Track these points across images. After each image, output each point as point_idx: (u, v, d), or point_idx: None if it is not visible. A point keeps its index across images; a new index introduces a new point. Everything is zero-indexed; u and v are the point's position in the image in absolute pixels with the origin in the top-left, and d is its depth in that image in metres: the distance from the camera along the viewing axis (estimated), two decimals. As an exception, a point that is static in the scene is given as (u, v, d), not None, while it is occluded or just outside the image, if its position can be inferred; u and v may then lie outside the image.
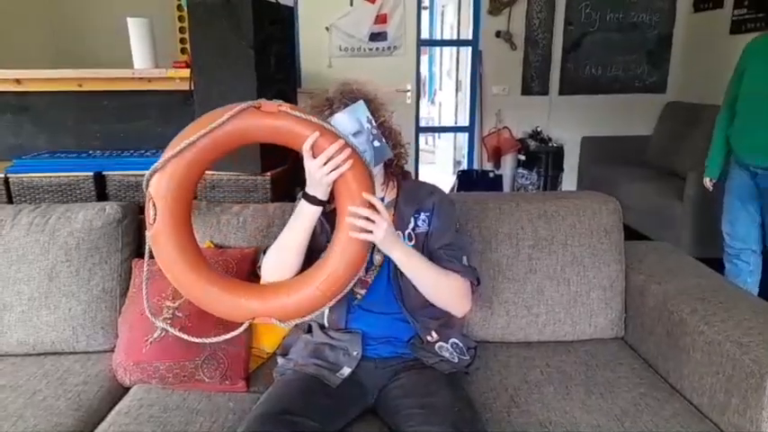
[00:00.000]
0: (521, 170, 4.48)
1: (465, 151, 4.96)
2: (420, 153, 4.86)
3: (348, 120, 1.24)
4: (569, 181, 4.53)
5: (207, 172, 2.33)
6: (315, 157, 1.15)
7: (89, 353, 1.59)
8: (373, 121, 1.27)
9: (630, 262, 1.69)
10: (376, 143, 1.27)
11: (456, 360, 1.39)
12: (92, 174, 2.20)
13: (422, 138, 5.54)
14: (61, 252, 1.59)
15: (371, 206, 1.18)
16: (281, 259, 1.29)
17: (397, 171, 1.40)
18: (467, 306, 1.38)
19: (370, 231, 1.18)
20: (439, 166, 7.10)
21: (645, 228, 3.57)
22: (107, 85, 2.57)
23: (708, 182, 2.66)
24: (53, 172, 2.21)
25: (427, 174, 5.68)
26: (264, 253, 1.34)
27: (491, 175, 4.54)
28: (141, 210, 1.80)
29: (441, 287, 1.33)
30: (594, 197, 1.73)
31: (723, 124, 2.55)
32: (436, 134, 7.62)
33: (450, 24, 7.04)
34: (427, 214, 1.39)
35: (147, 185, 1.16)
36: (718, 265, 2.30)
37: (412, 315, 1.37)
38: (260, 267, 1.36)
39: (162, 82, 2.53)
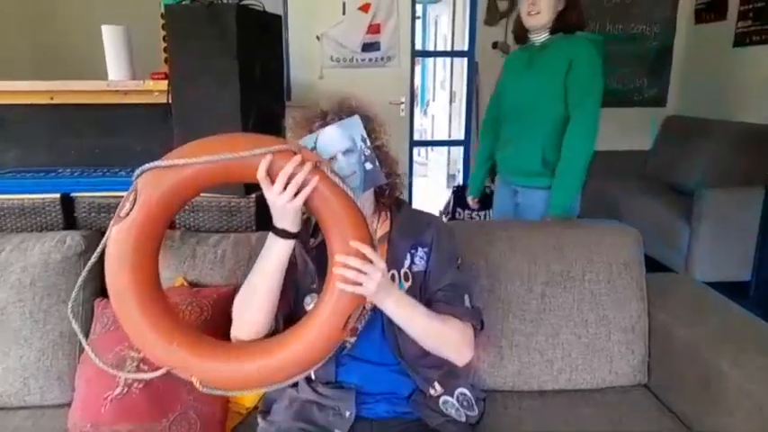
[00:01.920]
0: (518, 185, 4.32)
1: (460, 166, 4.81)
2: (413, 165, 4.70)
3: (339, 135, 1.09)
4: (568, 197, 4.37)
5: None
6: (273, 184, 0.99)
7: (43, 407, 1.39)
8: (368, 141, 1.11)
9: (652, 298, 1.53)
10: (368, 165, 1.11)
11: (463, 419, 1.22)
12: (58, 196, 2.01)
13: (414, 149, 5.39)
14: (13, 291, 1.40)
15: (362, 253, 1.01)
16: (251, 306, 1.11)
17: (390, 202, 1.23)
18: (467, 354, 1.21)
19: (360, 283, 1.01)
20: (432, 178, 6.96)
21: (650, 247, 3.40)
22: (80, 98, 2.38)
23: (470, 200, 2.58)
24: (14, 194, 2.02)
25: (420, 187, 5.52)
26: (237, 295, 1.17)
27: (488, 191, 4.37)
28: (108, 239, 1.62)
29: (437, 336, 1.17)
30: (612, 227, 1.57)
31: (483, 142, 2.39)
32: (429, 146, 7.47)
33: (443, 35, 6.92)
34: (425, 250, 1.22)
35: (139, 176, 1.02)
36: (730, 289, 2.12)
37: (411, 366, 1.19)
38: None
39: (139, 95, 2.35)
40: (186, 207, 2.12)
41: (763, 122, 3.43)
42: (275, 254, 1.08)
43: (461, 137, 4.68)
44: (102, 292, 1.48)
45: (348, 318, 1.04)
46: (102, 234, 1.72)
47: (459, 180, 4.80)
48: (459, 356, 1.20)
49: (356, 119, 1.10)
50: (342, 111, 1.14)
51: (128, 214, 1.01)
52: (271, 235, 1.08)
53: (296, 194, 0.99)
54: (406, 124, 4.23)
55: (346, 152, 1.10)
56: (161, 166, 1.00)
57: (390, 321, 1.16)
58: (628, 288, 1.48)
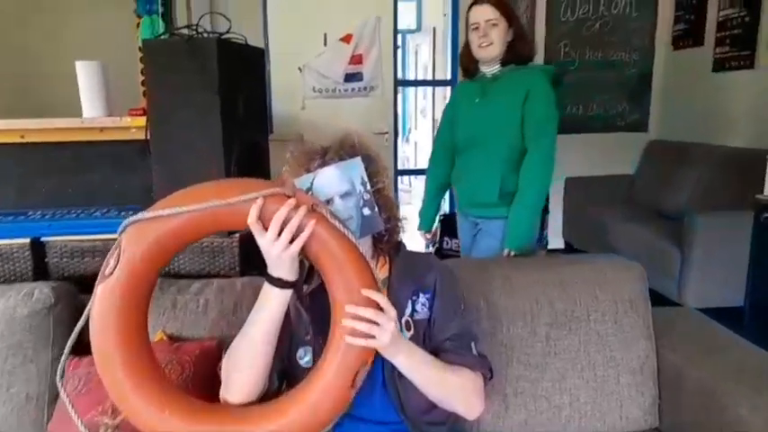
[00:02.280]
0: (505, 213, 4.28)
1: (446, 195, 4.76)
2: (398, 193, 4.64)
3: (339, 177, 1.02)
4: (555, 224, 4.35)
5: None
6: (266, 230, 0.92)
7: (6, 480, 1.26)
8: (368, 185, 1.04)
9: (658, 336, 1.46)
10: (366, 211, 1.04)
11: (471, 480, 1.12)
12: (28, 241, 1.90)
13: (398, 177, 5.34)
14: (-26, 351, 1.28)
15: (373, 302, 0.93)
16: (244, 364, 1.02)
17: (389, 247, 1.16)
18: (479, 407, 1.13)
19: (373, 336, 0.92)
20: (416, 206, 6.88)
21: (640, 274, 3.38)
22: (53, 136, 2.28)
23: (421, 234, 2.48)
24: (-19, 239, 1.90)
25: (405, 214, 5.44)
26: (226, 351, 1.07)
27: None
28: (81, 290, 1.51)
29: (449, 388, 1.09)
30: (615, 262, 1.51)
31: (433, 174, 2.32)
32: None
33: (423, 64, 6.96)
34: (427, 296, 1.14)
35: (123, 231, 0.95)
36: (724, 315, 2.07)
37: (415, 424, 1.10)
38: (220, 369, 1.09)
39: (116, 131, 2.25)
40: (166, 248, 2.02)
41: (744, 146, 3.45)
42: (271, 305, 0.99)
43: (446, 165, 4.65)
44: (74, 349, 1.37)
45: (356, 374, 0.95)
46: (75, 283, 1.63)
47: (446, 208, 4.74)
48: (470, 410, 1.13)
49: (357, 160, 1.03)
50: (343, 149, 1.07)
51: (112, 272, 0.94)
52: (265, 284, 0.99)
53: (292, 241, 0.92)
54: (390, 154, 4.19)
55: (344, 195, 1.03)
56: (145, 218, 0.93)
57: (391, 375, 1.08)
58: (635, 327, 1.41)
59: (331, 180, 1.01)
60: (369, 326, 0.93)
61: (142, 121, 2.07)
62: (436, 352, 1.11)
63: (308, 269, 1.15)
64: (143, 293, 0.98)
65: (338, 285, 0.94)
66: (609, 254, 1.62)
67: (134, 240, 0.94)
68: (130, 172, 2.27)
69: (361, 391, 1.08)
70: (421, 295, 1.14)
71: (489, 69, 1.99)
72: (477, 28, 1.95)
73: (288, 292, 0.99)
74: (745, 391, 1.20)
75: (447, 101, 4.55)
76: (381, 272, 1.15)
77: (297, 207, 0.91)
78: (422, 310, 1.13)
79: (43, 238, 1.93)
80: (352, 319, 0.93)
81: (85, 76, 2.20)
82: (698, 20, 3.93)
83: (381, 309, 0.95)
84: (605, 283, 1.44)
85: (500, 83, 1.97)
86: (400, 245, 1.20)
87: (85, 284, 1.60)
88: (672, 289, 3.09)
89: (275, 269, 0.97)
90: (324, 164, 1.03)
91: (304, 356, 1.09)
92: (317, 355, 1.07)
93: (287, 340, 1.08)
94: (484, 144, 2.00)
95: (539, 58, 4.28)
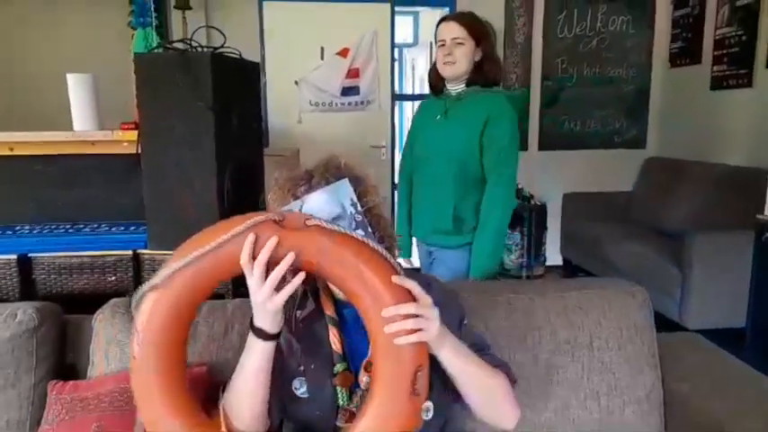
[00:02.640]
0: (502, 229, 4.24)
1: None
2: (394, 207, 4.60)
3: (327, 201, 0.97)
4: (553, 240, 4.32)
5: (152, 252, 2.00)
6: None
7: None
8: (359, 206, 0.99)
9: (663, 364, 1.42)
10: (359, 232, 0.99)
11: None
12: (15, 257, 1.84)
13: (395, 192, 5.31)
14: (-48, 376, 1.22)
15: (406, 293, 0.89)
16: (241, 406, 0.97)
17: None
18: (517, 411, 1.07)
19: (421, 329, 0.88)
20: (413, 220, 6.85)
21: (639, 292, 3.34)
22: (43, 149, 2.23)
23: (403, 262, 2.41)
24: (-35, 255, 1.84)
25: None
26: (223, 390, 1.02)
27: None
28: (67, 309, 1.45)
29: (490, 387, 1.03)
30: (619, 286, 1.47)
31: (403, 198, 2.18)
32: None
33: (420, 77, 6.96)
34: None
35: (136, 309, 0.93)
36: (726, 336, 2.03)
37: None
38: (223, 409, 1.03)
39: (107, 145, 2.21)
40: (157, 267, 1.96)
41: (743, 164, 3.44)
42: (255, 356, 0.95)
43: (443, 180, 4.62)
44: (58, 372, 1.32)
45: (415, 380, 0.89)
46: (63, 300, 1.57)
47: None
48: (512, 414, 1.06)
49: (345, 182, 0.99)
50: (329, 172, 1.02)
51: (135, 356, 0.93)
52: (251, 334, 0.95)
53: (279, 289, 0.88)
54: (387, 168, 4.17)
55: (335, 219, 0.98)
56: (146, 290, 0.91)
57: None
58: (640, 354, 1.37)
59: (320, 205, 0.96)
60: (414, 320, 0.87)
61: (134, 135, 2.03)
62: None
63: (301, 294, 1.10)
64: (177, 362, 0.95)
65: (362, 293, 0.89)
66: (612, 278, 1.57)
67: (148, 318, 0.91)
68: (121, 187, 2.23)
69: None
70: None
71: (454, 88, 1.94)
72: (443, 45, 1.89)
73: (271, 345, 0.95)
74: (758, 427, 1.15)
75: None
76: None
77: (281, 245, 0.86)
78: None
79: (30, 254, 1.88)
80: (393, 321, 0.87)
81: (77, 88, 2.16)
82: (695, 38, 3.94)
83: (415, 299, 0.90)
84: (609, 309, 1.39)
85: (462, 103, 1.91)
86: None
87: (73, 303, 1.55)
88: (672, 309, 3.05)
89: (258, 317, 0.93)
90: (310, 189, 0.99)
91: (300, 387, 1.04)
92: (311, 385, 1.03)
93: (279, 375, 1.03)
94: (437, 164, 1.93)
95: (535, 74, 4.30)
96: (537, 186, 4.30)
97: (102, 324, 1.31)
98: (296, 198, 0.98)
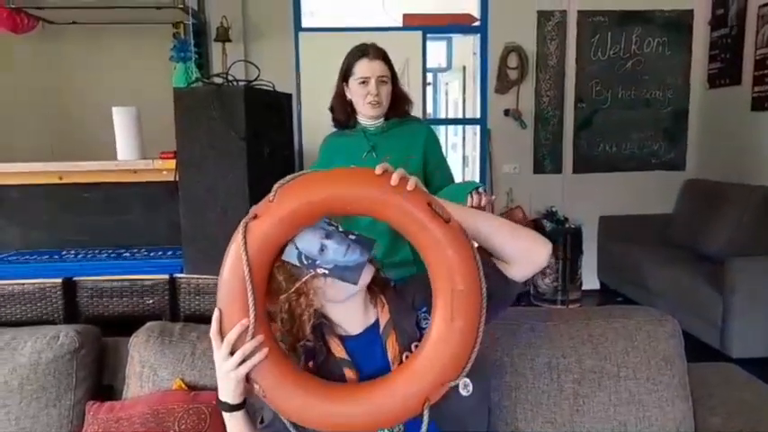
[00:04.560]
0: (536, 252, 4.19)
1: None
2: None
3: (311, 228, 0.99)
4: (589, 264, 4.24)
5: (188, 276, 2.08)
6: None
7: None
8: (340, 226, 1.04)
9: (696, 395, 1.38)
10: (352, 236, 1.03)
11: None
12: (60, 281, 1.95)
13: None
14: (-1, 395, 1.29)
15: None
16: None
17: (381, 283, 1.11)
18: (549, 245, 1.06)
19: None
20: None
21: (680, 320, 3.24)
22: (89, 178, 2.37)
23: None
24: (17, 278, 1.96)
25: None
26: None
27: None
28: (106, 331, 1.52)
29: (518, 229, 1.06)
30: (647, 315, 1.44)
31: None
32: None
33: (454, 100, 7.00)
34: (424, 309, 1.08)
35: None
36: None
37: None
38: None
39: (148, 173, 2.33)
40: (192, 290, 2.04)
41: (786, 187, 3.32)
42: (231, 428, 0.99)
43: (475, 203, 4.61)
44: (96, 393, 1.38)
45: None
46: (101, 323, 1.65)
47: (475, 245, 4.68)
48: (543, 247, 1.05)
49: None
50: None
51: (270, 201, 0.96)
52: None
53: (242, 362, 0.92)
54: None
55: (327, 235, 1.00)
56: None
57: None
58: (669, 386, 1.33)
59: (307, 233, 0.98)
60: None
61: (172, 163, 2.14)
62: None
63: (304, 348, 1.07)
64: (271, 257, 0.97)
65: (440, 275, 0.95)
66: (641, 306, 1.55)
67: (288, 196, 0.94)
68: (160, 212, 2.34)
69: None
70: (419, 312, 1.08)
71: (373, 123, 1.84)
72: (365, 83, 1.77)
73: (239, 415, 0.98)
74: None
75: (477, 136, 4.56)
76: (384, 314, 1.07)
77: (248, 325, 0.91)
78: (426, 324, 1.05)
79: (75, 278, 1.99)
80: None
81: (121, 120, 2.29)
82: (734, 58, 3.86)
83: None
84: (637, 338, 1.37)
85: (391, 136, 1.84)
86: (386, 281, 1.14)
87: (110, 325, 1.63)
88: (714, 336, 2.94)
89: (222, 390, 0.96)
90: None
91: None
92: None
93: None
94: None
95: (568, 96, 4.28)
96: (571, 209, 4.24)
97: (137, 348, 1.37)
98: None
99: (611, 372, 1.33)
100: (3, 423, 1.28)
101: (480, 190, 1.71)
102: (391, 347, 1.04)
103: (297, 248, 0.97)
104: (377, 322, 1.07)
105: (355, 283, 1.00)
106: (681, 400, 1.34)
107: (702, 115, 4.27)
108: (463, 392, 1.03)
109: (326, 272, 0.97)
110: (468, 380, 1.03)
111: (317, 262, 0.99)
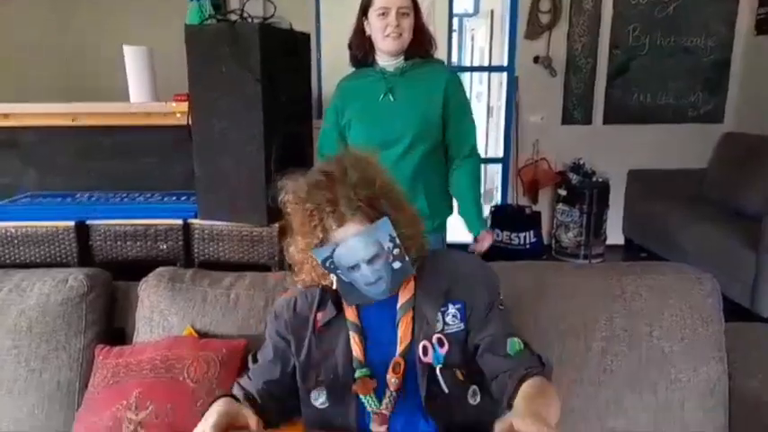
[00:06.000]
0: (561, 206, 4.07)
1: (498, 184, 4.59)
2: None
3: (364, 244, 0.92)
4: (615, 220, 4.11)
5: (202, 222, 2.03)
6: None
7: (35, 468, 1.26)
8: (397, 240, 0.94)
9: (731, 355, 1.30)
10: (396, 264, 0.95)
11: None
12: (73, 224, 1.91)
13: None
14: (8, 337, 1.27)
15: None
16: None
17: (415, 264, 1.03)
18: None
19: None
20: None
21: (708, 277, 3.13)
22: (102, 120, 2.30)
23: None
24: (29, 220, 1.93)
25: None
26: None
27: (527, 211, 4.15)
28: (117, 275, 1.49)
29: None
30: (683, 272, 1.35)
31: None
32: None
33: (480, 48, 6.72)
34: (458, 306, 1.01)
35: None
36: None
37: None
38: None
39: (162, 117, 2.26)
40: (206, 236, 1.99)
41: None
42: None
43: (499, 153, 4.47)
44: (107, 337, 1.35)
45: None
46: (116, 267, 1.61)
47: (498, 199, 4.58)
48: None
49: (385, 222, 0.93)
50: (358, 195, 0.93)
51: None
52: None
53: None
54: (442, 141, 4.06)
55: (372, 260, 0.94)
56: None
57: (431, 395, 0.96)
58: (705, 346, 1.26)
59: (356, 249, 0.92)
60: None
61: (186, 106, 2.05)
62: (481, 357, 0.99)
63: (319, 297, 1.05)
64: None
65: None
66: (676, 263, 1.45)
67: None
68: (175, 156, 2.27)
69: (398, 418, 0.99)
70: (450, 306, 1.01)
71: (392, 63, 1.72)
72: (384, 14, 1.65)
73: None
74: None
75: (503, 85, 4.37)
76: (406, 292, 1.01)
77: None
78: (453, 323, 1.00)
79: (88, 221, 1.95)
80: None
81: (133, 60, 2.20)
82: (787, 1, 3.57)
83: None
84: (672, 296, 1.29)
85: (411, 77, 1.72)
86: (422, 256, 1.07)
87: (124, 269, 1.59)
88: (744, 295, 2.84)
89: None
90: (341, 218, 0.93)
91: (318, 398, 1.01)
92: (331, 395, 1.00)
93: (300, 383, 1.03)
94: (400, 146, 1.72)
95: (603, 42, 4.04)
96: (599, 162, 4.08)
97: (147, 292, 1.33)
98: (324, 231, 0.94)
99: (643, 331, 1.26)
100: (13, 364, 1.27)
101: (482, 234, 1.81)
102: (403, 327, 0.99)
103: (332, 252, 0.93)
104: (398, 297, 1.01)
105: (348, 304, 1.00)
106: (716, 362, 1.26)
107: (747, 64, 4.01)
108: (471, 401, 0.99)
109: (338, 280, 0.97)
110: (476, 387, 0.99)
111: (338, 271, 0.96)
